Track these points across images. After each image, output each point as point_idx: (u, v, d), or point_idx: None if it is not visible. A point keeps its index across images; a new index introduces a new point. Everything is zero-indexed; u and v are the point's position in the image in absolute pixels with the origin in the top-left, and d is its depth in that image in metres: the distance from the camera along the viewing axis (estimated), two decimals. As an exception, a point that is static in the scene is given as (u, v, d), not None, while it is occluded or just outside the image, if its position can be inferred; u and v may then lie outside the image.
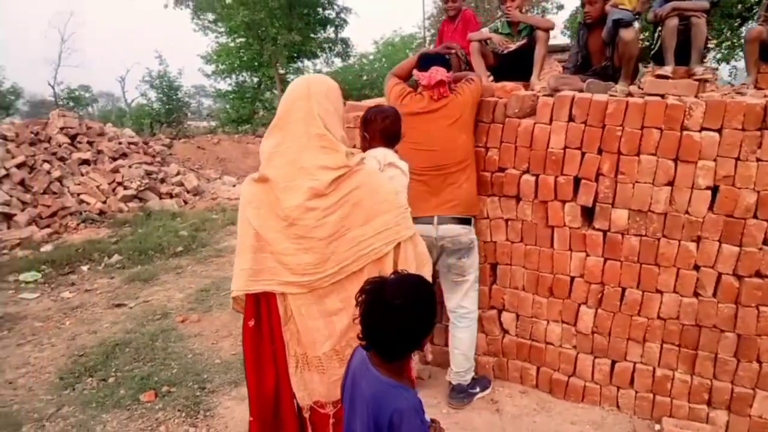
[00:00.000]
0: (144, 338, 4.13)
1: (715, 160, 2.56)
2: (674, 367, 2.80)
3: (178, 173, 9.80)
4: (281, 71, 20.59)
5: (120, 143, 9.91)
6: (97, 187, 8.63)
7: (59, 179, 8.50)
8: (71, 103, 26.91)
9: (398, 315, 1.31)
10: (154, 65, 41.92)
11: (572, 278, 2.96)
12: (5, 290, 5.57)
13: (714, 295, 2.66)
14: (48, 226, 7.73)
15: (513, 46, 3.65)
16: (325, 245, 1.68)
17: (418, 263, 1.77)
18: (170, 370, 3.63)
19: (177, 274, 5.87)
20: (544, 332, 3.09)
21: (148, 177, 9.42)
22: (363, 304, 1.34)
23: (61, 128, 9.36)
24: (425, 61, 3.02)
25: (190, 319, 4.49)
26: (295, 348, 1.80)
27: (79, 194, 8.46)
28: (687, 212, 2.64)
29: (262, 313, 1.77)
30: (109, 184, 8.74)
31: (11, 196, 7.80)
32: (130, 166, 9.23)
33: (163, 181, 9.68)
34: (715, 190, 2.59)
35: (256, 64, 22.02)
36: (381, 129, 2.26)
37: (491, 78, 3.76)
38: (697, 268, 2.68)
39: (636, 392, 2.89)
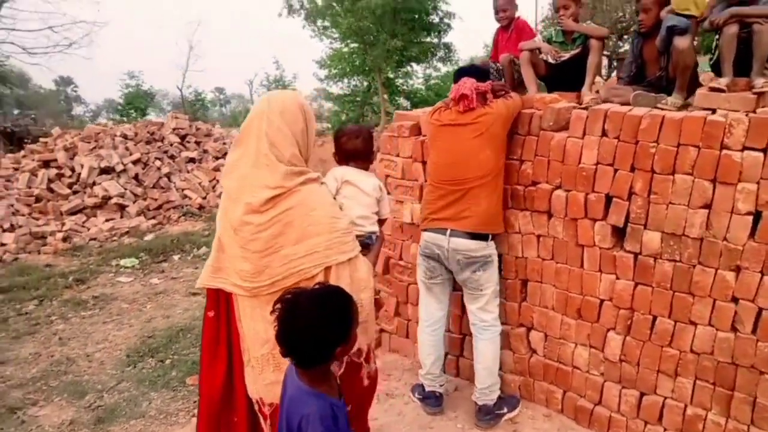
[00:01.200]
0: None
1: (758, 183, 2.31)
2: (707, 407, 2.56)
3: (272, 173, 10.38)
4: (390, 75, 21.01)
5: (224, 143, 10.69)
6: (199, 183, 9.39)
7: (168, 175, 9.37)
8: (196, 105, 29.34)
9: (307, 324, 1.37)
10: (273, 70, 44.40)
11: (602, 301, 2.81)
12: (106, 273, 6.26)
13: (753, 331, 2.40)
14: (154, 217, 8.56)
15: (566, 55, 3.51)
16: (258, 258, 1.78)
17: (353, 288, 1.80)
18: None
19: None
20: (572, 355, 2.95)
21: (246, 176, 10.08)
22: (278, 312, 1.41)
23: (174, 129, 10.29)
24: (459, 74, 3.02)
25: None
26: (246, 345, 1.91)
27: (183, 189, 9.26)
28: (725, 239, 2.41)
29: (221, 306, 1.89)
30: (210, 181, 9.48)
31: (126, 189, 8.73)
32: (229, 165, 9.94)
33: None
34: (757, 216, 2.34)
35: (366, 68, 22.73)
36: (344, 149, 2.27)
37: (542, 88, 3.64)
38: (735, 300, 2.43)
39: (664, 429, 2.68)
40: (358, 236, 1.98)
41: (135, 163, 9.24)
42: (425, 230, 2.97)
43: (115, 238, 7.76)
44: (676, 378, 2.62)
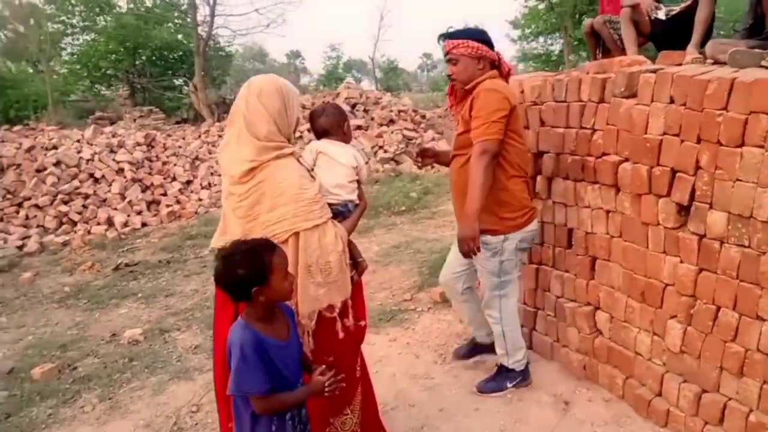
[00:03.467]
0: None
1: (840, 159, 1.91)
2: (774, 416, 2.22)
3: (432, 139, 10.65)
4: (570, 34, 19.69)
5: (391, 111, 11.24)
6: (362, 149, 10.08)
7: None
8: (390, 73, 30.63)
9: (223, 266, 1.66)
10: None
11: (665, 286, 2.56)
12: None
13: (827, 335, 2.02)
14: (321, 179, 9.48)
15: (676, 9, 3.12)
16: (243, 223, 2.01)
17: (322, 252, 2.01)
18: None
19: (388, 229, 6.67)
20: (634, 341, 2.75)
21: (408, 142, 10.52)
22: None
23: (345, 98, 11.11)
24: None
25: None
26: None
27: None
28: (799, 224, 2.04)
29: None
30: (372, 147, 10.11)
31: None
32: (392, 132, 10.46)
33: (421, 146, 10.69)
34: (838, 198, 1.94)
35: (557, 28, 21.65)
36: (313, 128, 2.38)
37: (647, 49, 3.29)
38: (808, 297, 2.06)
39: (724, 433, 2.39)
40: (332, 204, 2.14)
41: (309, 131, 10.24)
42: (529, 223, 2.81)
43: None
44: (741, 378, 2.31)
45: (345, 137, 2.36)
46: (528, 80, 3.29)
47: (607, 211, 2.83)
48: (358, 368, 2.33)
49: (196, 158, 9.72)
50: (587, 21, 3.67)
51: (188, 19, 19.33)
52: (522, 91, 3.27)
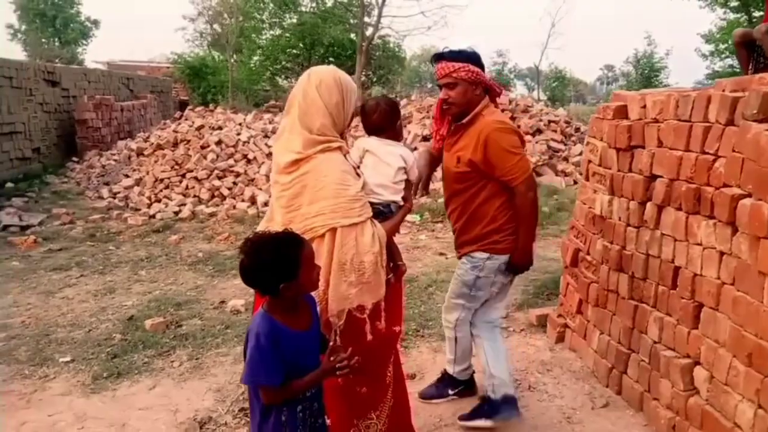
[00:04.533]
0: (425, 282, 4.93)
1: None
2: None
3: (580, 154, 9.97)
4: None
5: (540, 120, 10.75)
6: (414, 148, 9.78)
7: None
8: (554, 83, 29.41)
9: (249, 261, 1.65)
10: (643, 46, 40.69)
11: (779, 351, 2.11)
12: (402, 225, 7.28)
13: None
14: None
15: None
16: (285, 213, 2.01)
17: (358, 250, 1.95)
18: (427, 311, 4.32)
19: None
20: (735, 410, 2.31)
21: (553, 154, 9.98)
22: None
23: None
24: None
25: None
26: None
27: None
28: None
29: None
30: (512, 155, 9.75)
31: (438, 155, 9.77)
32: (537, 142, 9.99)
33: (566, 159, 10.07)
34: None
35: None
36: (364, 124, 2.29)
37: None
38: None
39: None
40: (374, 204, 2.06)
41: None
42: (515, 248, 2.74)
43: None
44: None
45: (396, 135, 2.29)
46: (651, 95, 2.92)
47: (721, 253, 2.40)
48: (389, 374, 2.25)
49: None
50: (737, 30, 3.14)
51: (354, 21, 20.29)
52: (644, 106, 2.92)
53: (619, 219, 3.07)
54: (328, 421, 1.95)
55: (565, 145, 10.49)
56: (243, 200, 8.23)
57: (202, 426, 2.83)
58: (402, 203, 2.22)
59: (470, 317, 2.85)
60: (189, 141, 9.23)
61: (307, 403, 1.76)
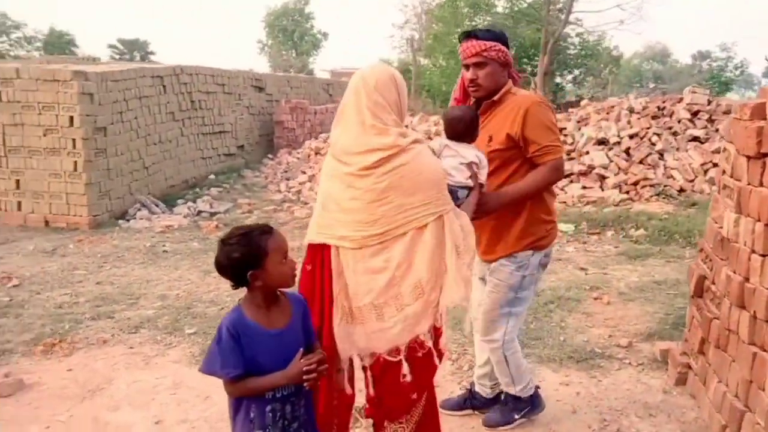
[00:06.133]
0: (548, 297, 4.54)
1: None
2: None
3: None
4: None
5: (748, 123, 9.12)
6: (689, 165, 8.52)
7: (661, 152, 8.91)
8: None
9: (219, 251, 1.70)
10: None
11: None
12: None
13: None
14: (627, 192, 8.45)
15: None
16: (373, 208, 1.97)
17: (465, 232, 2.05)
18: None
19: (666, 261, 5.60)
20: None
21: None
22: None
23: (687, 104, 9.51)
24: None
25: (600, 299, 4.48)
26: (342, 301, 2.07)
27: (671, 169, 8.64)
28: None
29: (317, 261, 2.10)
30: (702, 164, 8.44)
31: (612, 161, 8.90)
32: (738, 149, 8.50)
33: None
34: None
35: None
36: (447, 132, 2.37)
37: None
38: None
39: None
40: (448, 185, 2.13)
41: (631, 136, 9.20)
42: (554, 237, 2.64)
43: (579, 204, 8.20)
44: None
45: (471, 142, 2.35)
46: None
47: None
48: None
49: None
50: None
51: (538, 22, 19.38)
52: (785, 103, 2.31)
53: (744, 244, 2.47)
54: None
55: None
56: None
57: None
58: (471, 185, 2.25)
59: (519, 325, 2.67)
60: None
61: (277, 404, 1.75)
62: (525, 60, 24.37)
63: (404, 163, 1.97)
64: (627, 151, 9.07)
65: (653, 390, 3.11)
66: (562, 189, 8.79)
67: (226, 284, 5.21)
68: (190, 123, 10.66)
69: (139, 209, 8.65)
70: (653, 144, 9.02)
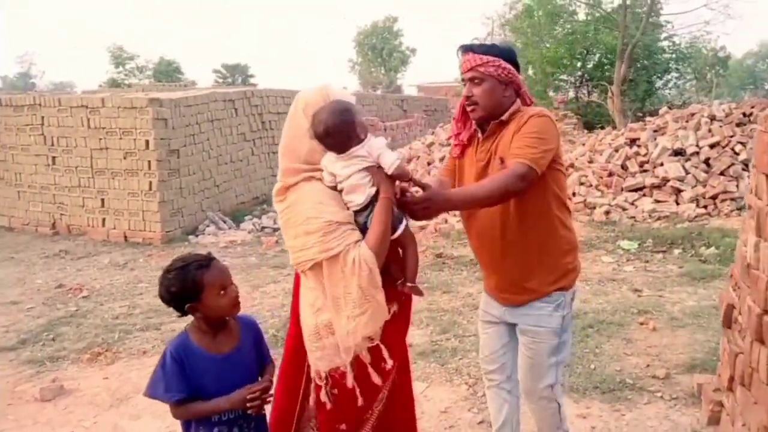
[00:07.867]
0: (588, 321, 4.28)
1: None
2: None
3: None
4: None
5: None
6: None
7: (745, 162, 8.17)
8: None
9: (159, 283, 1.78)
10: None
11: None
12: (612, 252, 6.39)
13: None
14: (705, 206, 7.82)
15: None
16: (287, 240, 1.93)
17: (346, 281, 1.79)
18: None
19: (727, 282, 5.05)
20: None
21: None
22: None
23: (778, 109, 8.68)
24: None
25: (646, 324, 4.16)
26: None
27: (757, 181, 7.89)
28: None
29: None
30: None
31: (689, 172, 8.27)
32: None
33: None
34: None
35: None
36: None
37: None
38: None
39: None
40: (357, 212, 1.86)
41: (712, 146, 8.52)
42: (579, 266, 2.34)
43: (649, 220, 7.68)
44: None
45: (351, 145, 1.92)
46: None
47: None
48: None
49: (571, 165, 9.47)
50: None
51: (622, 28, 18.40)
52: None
53: (764, 271, 2.22)
54: None
55: None
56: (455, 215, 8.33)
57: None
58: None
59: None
60: (419, 157, 9.77)
61: (224, 427, 1.79)
62: (608, 67, 23.29)
63: (290, 204, 1.87)
64: (706, 162, 8.41)
65: (680, 428, 2.85)
66: (632, 203, 8.30)
67: (269, 299, 5.40)
68: (261, 143, 11.13)
69: (208, 225, 9.13)
70: (736, 154, 8.31)
